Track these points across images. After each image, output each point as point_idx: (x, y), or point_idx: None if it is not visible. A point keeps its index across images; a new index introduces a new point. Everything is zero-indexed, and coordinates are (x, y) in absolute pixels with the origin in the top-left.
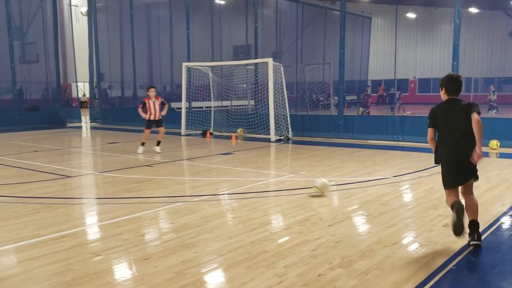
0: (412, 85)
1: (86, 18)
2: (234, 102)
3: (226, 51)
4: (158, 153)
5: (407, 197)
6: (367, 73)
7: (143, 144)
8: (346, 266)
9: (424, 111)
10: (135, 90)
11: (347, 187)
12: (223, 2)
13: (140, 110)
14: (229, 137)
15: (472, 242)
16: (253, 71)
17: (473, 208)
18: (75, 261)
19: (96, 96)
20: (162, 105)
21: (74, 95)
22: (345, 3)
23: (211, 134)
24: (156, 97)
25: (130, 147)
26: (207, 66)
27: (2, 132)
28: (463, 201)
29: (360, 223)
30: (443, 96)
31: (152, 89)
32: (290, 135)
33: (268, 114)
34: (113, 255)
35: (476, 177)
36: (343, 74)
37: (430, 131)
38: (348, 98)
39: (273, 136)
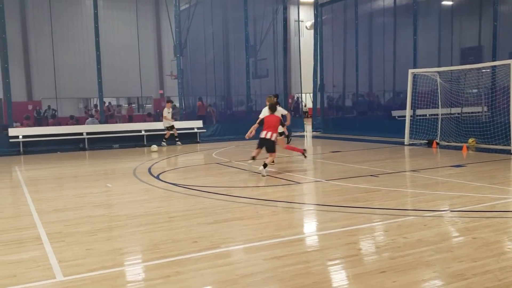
0: None
1: (310, 31)
2: (465, 109)
3: (453, 55)
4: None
5: None
6: None
7: None
8: None
9: None
10: (356, 100)
11: None
12: (451, 3)
13: None
14: (459, 148)
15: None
16: (489, 74)
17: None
18: (314, 265)
19: (318, 106)
20: None
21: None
22: None
23: (437, 144)
24: None
25: (351, 157)
26: (435, 71)
27: (235, 141)
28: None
29: None
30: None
31: None
32: None
33: (508, 123)
34: (349, 263)
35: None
36: None
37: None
38: None
39: None
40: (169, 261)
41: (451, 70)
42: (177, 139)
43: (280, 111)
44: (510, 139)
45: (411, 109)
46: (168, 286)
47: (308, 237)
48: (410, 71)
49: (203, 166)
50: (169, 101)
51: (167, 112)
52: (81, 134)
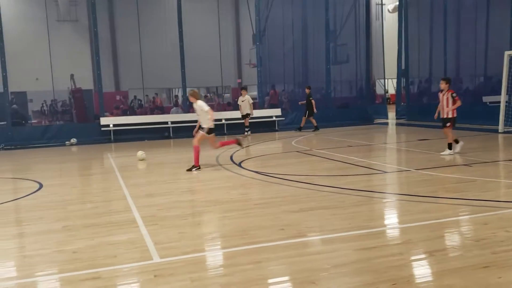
0: None
1: (391, 15)
2: None
3: None
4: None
5: None
6: None
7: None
8: None
9: None
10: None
11: None
12: None
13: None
14: None
15: None
16: None
17: None
18: (408, 257)
19: (403, 92)
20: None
21: (377, 91)
22: None
23: None
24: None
25: (440, 145)
26: None
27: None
28: None
29: None
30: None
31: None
32: None
33: None
34: (447, 257)
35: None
36: None
37: None
38: None
39: None
40: (258, 247)
41: None
42: (247, 129)
43: (203, 106)
44: None
45: (506, 94)
46: (260, 271)
47: (399, 228)
48: (507, 53)
49: (282, 154)
50: (244, 88)
51: (241, 100)
52: (166, 123)
